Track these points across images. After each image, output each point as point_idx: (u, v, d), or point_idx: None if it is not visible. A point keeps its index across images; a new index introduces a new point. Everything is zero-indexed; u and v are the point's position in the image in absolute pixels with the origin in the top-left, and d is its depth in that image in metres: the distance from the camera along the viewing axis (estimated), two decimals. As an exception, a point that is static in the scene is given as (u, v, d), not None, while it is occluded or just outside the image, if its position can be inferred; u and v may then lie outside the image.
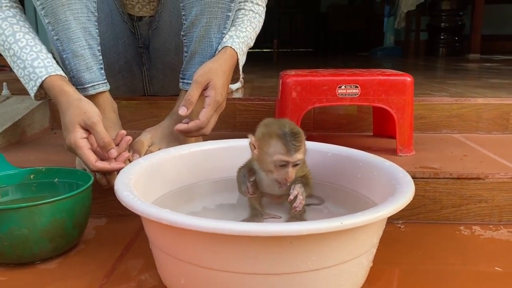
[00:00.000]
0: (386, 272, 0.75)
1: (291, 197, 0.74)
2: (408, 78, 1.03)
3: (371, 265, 0.68)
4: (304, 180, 0.78)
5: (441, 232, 0.91)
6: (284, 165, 0.72)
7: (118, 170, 0.87)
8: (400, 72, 1.05)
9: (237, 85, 1.48)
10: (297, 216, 0.78)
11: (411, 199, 0.63)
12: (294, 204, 0.74)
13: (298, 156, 0.72)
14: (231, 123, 1.28)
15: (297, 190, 0.75)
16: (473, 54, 4.07)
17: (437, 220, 0.94)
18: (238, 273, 0.57)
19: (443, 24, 4.39)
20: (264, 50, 5.54)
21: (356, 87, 1.01)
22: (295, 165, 0.73)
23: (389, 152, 1.07)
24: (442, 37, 4.42)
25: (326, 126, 1.29)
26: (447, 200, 0.93)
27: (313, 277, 0.58)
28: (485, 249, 0.84)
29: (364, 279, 0.68)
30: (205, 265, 0.58)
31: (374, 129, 1.26)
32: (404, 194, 0.63)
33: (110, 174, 0.89)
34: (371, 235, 0.62)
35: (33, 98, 0.95)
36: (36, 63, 0.91)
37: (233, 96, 1.33)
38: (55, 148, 1.12)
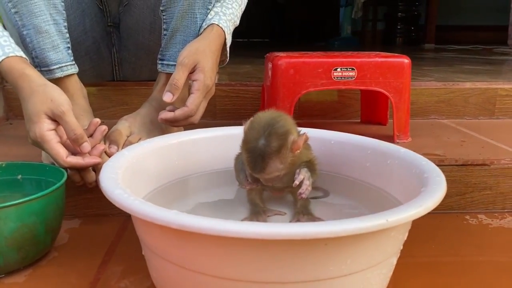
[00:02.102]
0: (404, 266, 0.69)
1: (296, 182, 0.66)
2: (406, 60, 0.97)
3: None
4: (309, 165, 0.70)
5: (447, 222, 0.86)
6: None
7: (92, 166, 0.76)
8: (397, 54, 0.99)
9: (213, 70, 1.38)
10: (304, 211, 0.70)
11: (446, 188, 0.57)
12: (300, 190, 0.66)
13: (265, 176, 0.64)
14: (211, 111, 1.18)
15: (303, 175, 0.66)
16: (428, 44, 4.15)
17: (441, 210, 0.89)
18: (261, 283, 0.48)
19: (400, 14, 4.44)
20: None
21: (353, 69, 0.94)
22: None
23: (385, 139, 0.99)
24: (399, 27, 4.48)
25: (312, 113, 1.22)
26: (452, 188, 0.88)
27: (345, 283, 0.50)
28: (497, 238, 0.80)
29: (389, 281, 0.61)
30: (219, 274, 0.49)
31: (362, 115, 1.20)
32: (439, 184, 0.56)
33: (84, 170, 0.77)
34: (404, 232, 0.56)
35: (-14, 82, 0.81)
36: (-10, 42, 0.77)
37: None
38: (14, 140, 0.98)
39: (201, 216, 0.45)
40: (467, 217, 0.88)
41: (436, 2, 4.23)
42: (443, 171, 0.88)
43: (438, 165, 0.88)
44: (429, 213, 0.88)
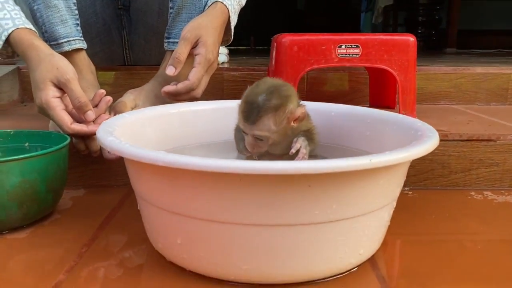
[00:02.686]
0: (402, 241, 0.68)
1: (293, 150, 0.66)
2: (411, 38, 0.96)
3: (389, 224, 0.61)
4: (308, 134, 0.70)
5: (451, 198, 0.84)
6: (246, 134, 0.66)
7: (97, 134, 0.78)
8: (402, 33, 0.99)
9: (223, 58, 1.40)
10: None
11: (438, 143, 0.56)
12: (296, 158, 0.66)
13: (254, 131, 0.64)
14: (218, 95, 1.19)
15: (300, 143, 0.66)
16: (449, 48, 4.09)
17: (445, 186, 0.88)
18: (246, 225, 0.49)
19: (420, 18, 4.40)
20: (241, 47, 5.46)
21: (357, 46, 0.94)
22: (258, 138, 0.65)
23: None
24: (419, 31, 4.44)
25: (320, 97, 1.21)
26: (457, 164, 0.87)
27: (331, 230, 0.50)
28: (502, 213, 0.78)
29: (382, 240, 0.60)
30: (206, 217, 0.49)
31: (370, 99, 1.19)
32: (430, 138, 0.56)
33: (89, 138, 0.79)
34: (394, 183, 0.55)
35: (-2, 55, 0.84)
36: (1, 15, 0.80)
37: (220, 67, 1.25)
38: (26, 117, 1.01)
39: (179, 154, 0.46)
40: (472, 193, 0.86)
41: (457, 7, 4.17)
42: (448, 147, 0.89)
43: (441, 140, 0.87)
44: (432, 189, 0.88)
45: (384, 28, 4.81)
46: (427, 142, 0.53)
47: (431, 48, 4.31)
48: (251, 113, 0.62)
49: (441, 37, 4.31)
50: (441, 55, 3.17)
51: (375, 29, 5.03)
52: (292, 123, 0.66)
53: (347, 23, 5.79)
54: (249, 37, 5.58)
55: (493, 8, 4.60)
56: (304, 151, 0.67)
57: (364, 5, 5.26)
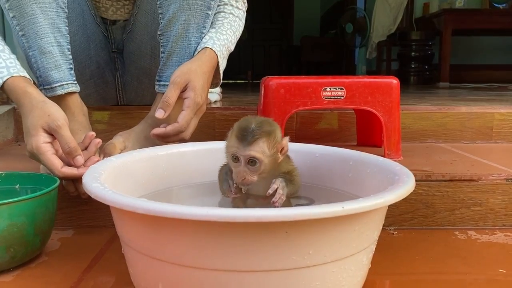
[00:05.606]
0: (387, 281, 0.69)
1: (270, 191, 0.68)
2: (394, 81, 1.00)
3: (370, 266, 0.62)
4: (288, 176, 0.72)
5: (436, 237, 0.85)
6: (237, 161, 0.67)
7: (87, 176, 0.79)
8: (385, 76, 1.02)
9: (216, 97, 1.43)
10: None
11: (413, 188, 0.58)
12: (273, 199, 0.68)
13: (251, 151, 0.65)
14: (210, 134, 1.22)
15: (277, 184, 0.68)
16: (442, 83, 4.17)
17: (430, 226, 0.89)
18: (224, 271, 0.50)
19: (413, 53, 4.50)
20: (239, 81, 5.56)
21: (342, 89, 0.97)
22: (251, 163, 0.66)
23: (376, 159, 1.02)
24: (412, 66, 4.53)
25: (309, 136, 1.25)
26: (441, 204, 0.89)
27: (310, 274, 0.51)
28: (484, 253, 0.79)
29: (363, 282, 0.61)
30: (186, 263, 0.51)
31: (358, 138, 1.22)
32: (405, 183, 0.58)
33: (78, 181, 0.80)
34: (370, 228, 0.56)
35: (-7, 100, 0.87)
36: (-3, 63, 0.83)
37: (212, 106, 1.28)
38: (19, 157, 1.03)
39: (159, 202, 0.48)
40: (456, 232, 0.87)
41: (448, 42, 4.27)
42: (431, 187, 0.90)
43: (424, 181, 0.90)
44: (417, 228, 0.89)
45: (378, 63, 4.91)
46: (402, 188, 0.55)
47: (425, 82, 4.39)
48: (246, 136, 0.65)
49: (435, 72, 4.41)
50: (433, 89, 3.24)
51: (369, 64, 5.14)
52: (278, 154, 0.68)
53: (342, 58, 5.92)
54: (247, 71, 5.70)
55: (484, 43, 4.72)
56: (281, 192, 0.68)
57: (358, 41, 5.38)
